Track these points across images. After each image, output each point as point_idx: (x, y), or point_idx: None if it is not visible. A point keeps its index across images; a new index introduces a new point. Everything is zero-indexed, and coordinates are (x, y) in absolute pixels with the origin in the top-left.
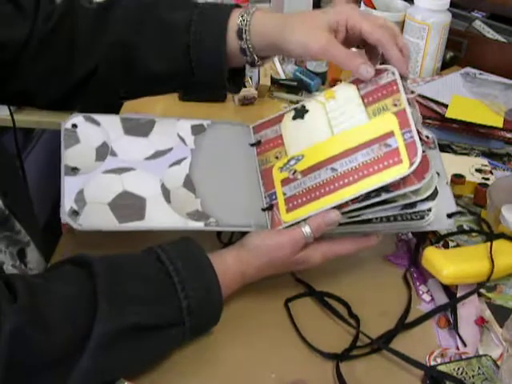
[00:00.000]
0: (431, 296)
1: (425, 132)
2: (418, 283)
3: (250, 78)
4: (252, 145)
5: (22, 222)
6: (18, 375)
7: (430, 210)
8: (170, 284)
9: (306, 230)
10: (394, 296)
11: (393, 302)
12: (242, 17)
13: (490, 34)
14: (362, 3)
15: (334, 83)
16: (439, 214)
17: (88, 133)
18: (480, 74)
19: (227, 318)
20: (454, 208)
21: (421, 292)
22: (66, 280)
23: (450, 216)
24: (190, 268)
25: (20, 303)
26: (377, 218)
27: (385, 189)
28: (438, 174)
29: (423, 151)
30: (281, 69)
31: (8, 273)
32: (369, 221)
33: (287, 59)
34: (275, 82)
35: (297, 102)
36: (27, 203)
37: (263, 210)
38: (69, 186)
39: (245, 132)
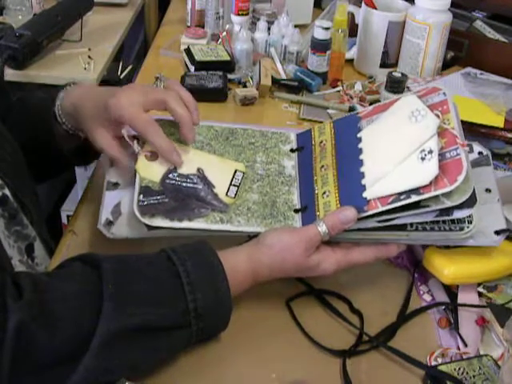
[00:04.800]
0: (432, 296)
1: (478, 148)
2: (418, 283)
3: (251, 78)
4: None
5: (29, 216)
6: (22, 371)
7: (470, 222)
8: (178, 285)
9: (322, 227)
10: (395, 296)
11: (393, 302)
12: (57, 101)
13: (491, 34)
14: (362, 3)
15: (334, 83)
16: (487, 230)
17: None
18: (481, 73)
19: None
20: (503, 225)
21: (422, 292)
22: (74, 278)
23: (497, 233)
24: (200, 270)
25: (25, 300)
26: (412, 226)
27: (415, 191)
28: (490, 190)
29: (458, 154)
30: (282, 69)
31: (16, 268)
32: (403, 228)
33: (288, 59)
34: (276, 82)
35: (298, 102)
36: (34, 198)
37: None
38: (108, 200)
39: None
